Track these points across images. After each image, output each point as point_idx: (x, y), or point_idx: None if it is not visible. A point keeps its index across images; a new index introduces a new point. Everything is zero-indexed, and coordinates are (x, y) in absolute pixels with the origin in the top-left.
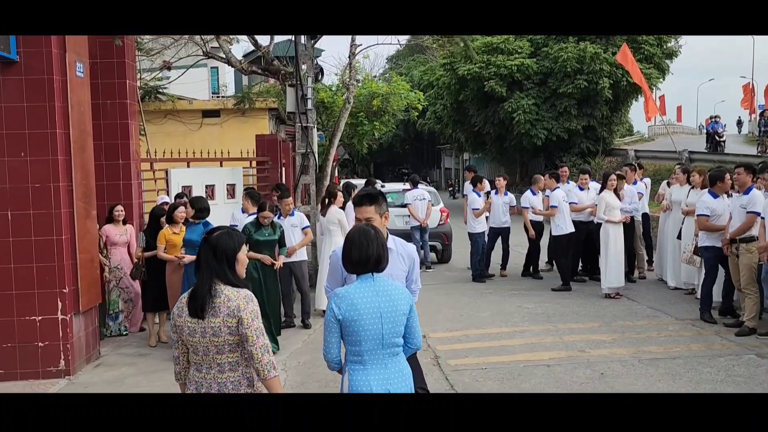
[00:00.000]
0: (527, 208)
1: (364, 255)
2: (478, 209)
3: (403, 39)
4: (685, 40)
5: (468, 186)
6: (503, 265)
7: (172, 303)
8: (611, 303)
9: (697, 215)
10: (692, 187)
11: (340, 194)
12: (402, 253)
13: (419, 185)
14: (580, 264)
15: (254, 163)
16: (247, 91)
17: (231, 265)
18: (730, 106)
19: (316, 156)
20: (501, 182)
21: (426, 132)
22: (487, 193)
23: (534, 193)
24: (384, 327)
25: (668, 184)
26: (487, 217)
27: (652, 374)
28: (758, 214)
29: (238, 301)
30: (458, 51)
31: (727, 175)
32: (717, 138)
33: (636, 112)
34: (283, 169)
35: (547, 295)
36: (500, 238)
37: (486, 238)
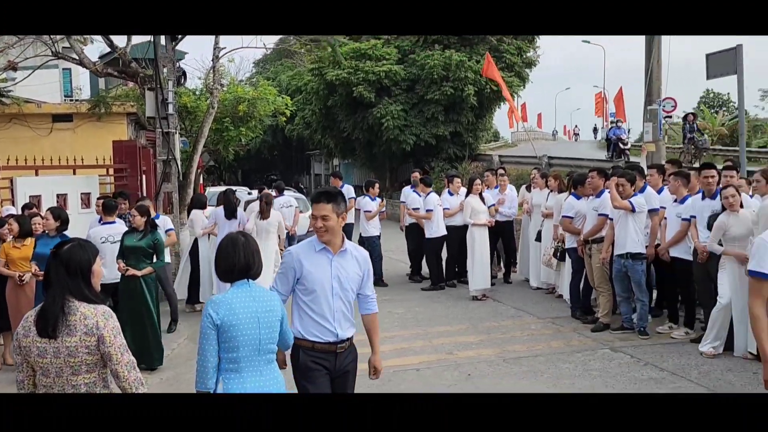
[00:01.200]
0: (417, 208)
1: (230, 263)
2: (370, 211)
3: (270, 43)
4: (543, 50)
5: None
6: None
7: (14, 322)
8: (478, 305)
9: (562, 216)
10: (551, 191)
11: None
12: (357, 256)
13: (285, 192)
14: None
15: (111, 171)
16: (103, 94)
17: (86, 280)
18: (586, 114)
19: (179, 163)
20: (375, 188)
21: (295, 138)
22: (381, 196)
23: (419, 194)
24: (261, 332)
25: (527, 189)
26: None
27: (516, 372)
28: (608, 216)
29: (96, 318)
30: (326, 56)
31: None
32: (621, 146)
33: (500, 119)
34: (144, 176)
35: (418, 300)
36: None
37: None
